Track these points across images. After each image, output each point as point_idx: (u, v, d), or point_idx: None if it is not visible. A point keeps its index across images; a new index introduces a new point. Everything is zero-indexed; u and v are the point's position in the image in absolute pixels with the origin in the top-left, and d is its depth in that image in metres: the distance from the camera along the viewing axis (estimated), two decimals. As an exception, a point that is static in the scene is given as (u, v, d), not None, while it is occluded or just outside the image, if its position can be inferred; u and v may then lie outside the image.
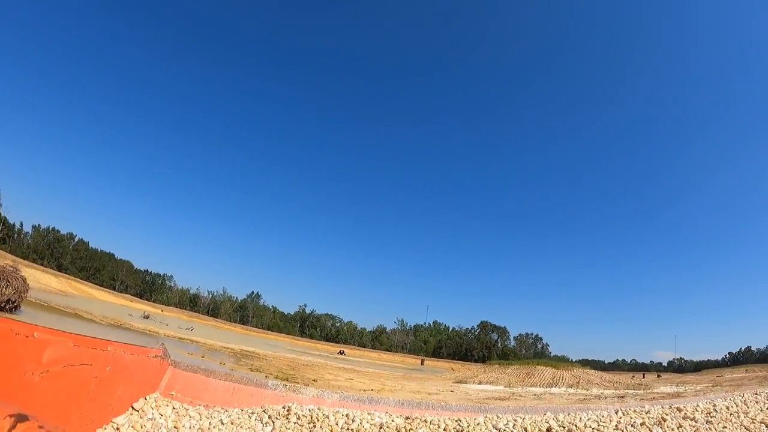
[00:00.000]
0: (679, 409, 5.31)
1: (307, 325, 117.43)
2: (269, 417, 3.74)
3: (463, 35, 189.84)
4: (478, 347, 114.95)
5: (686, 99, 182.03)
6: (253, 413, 3.84)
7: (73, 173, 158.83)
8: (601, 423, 4.66)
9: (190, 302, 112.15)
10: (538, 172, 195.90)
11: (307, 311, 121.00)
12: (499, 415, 4.76)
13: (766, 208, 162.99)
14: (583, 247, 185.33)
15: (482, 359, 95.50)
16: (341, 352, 79.99)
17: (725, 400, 6.25)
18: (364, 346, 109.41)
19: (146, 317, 52.27)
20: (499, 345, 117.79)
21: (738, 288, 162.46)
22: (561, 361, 55.87)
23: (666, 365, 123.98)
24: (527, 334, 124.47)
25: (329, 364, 41.31)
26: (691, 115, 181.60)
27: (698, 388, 37.36)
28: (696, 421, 4.97)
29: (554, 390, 34.44)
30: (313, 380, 20.44)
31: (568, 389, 35.99)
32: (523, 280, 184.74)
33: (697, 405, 5.69)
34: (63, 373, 3.01)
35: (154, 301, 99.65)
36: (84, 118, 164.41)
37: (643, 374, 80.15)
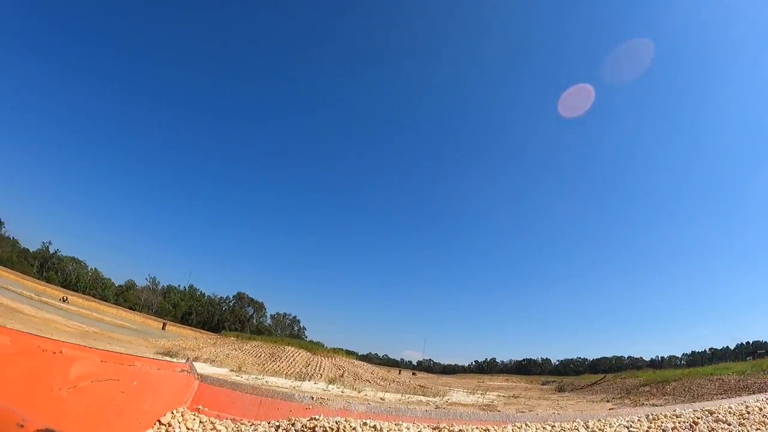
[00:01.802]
0: None
1: (47, 267, 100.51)
2: (296, 430, 3.65)
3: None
4: (232, 320, 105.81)
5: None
6: (279, 426, 3.75)
7: None
8: None
9: None
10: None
11: (51, 250, 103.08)
12: None
13: (504, 233, 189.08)
14: (353, 249, 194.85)
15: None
16: (64, 299, 67.19)
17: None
18: (107, 300, 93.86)
19: None
20: (255, 321, 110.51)
21: (481, 303, 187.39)
22: (317, 347, 43.35)
23: (416, 364, 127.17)
24: (285, 313, 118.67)
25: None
26: (482, 123, 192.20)
27: (492, 396, 33.66)
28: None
29: (307, 386, 23.45)
30: None
31: (329, 385, 25.66)
32: (286, 258, 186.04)
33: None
34: (90, 388, 2.94)
35: None
36: None
37: (399, 371, 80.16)
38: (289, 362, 33.37)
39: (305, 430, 3.66)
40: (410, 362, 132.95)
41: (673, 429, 4.69)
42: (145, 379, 3.19)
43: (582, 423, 4.76)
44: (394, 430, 3.97)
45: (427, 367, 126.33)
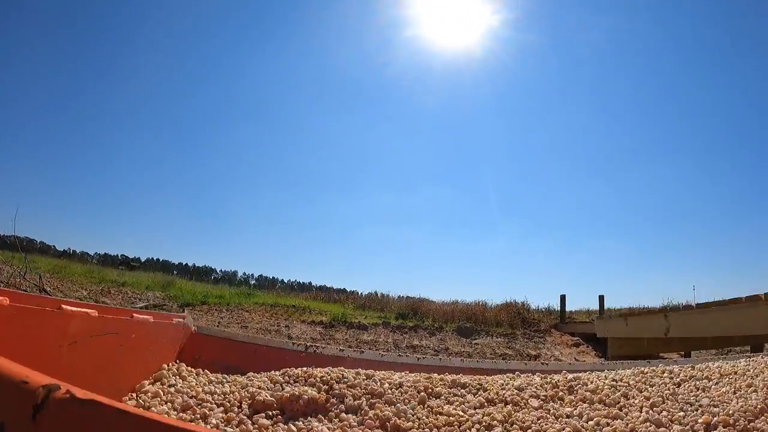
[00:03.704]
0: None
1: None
2: (291, 378, 3.79)
3: None
4: None
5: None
6: (274, 375, 3.87)
7: None
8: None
9: None
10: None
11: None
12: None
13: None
14: None
15: None
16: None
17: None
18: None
19: None
20: None
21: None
22: None
23: None
24: None
25: None
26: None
27: None
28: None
29: None
30: None
31: None
32: None
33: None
34: (90, 343, 2.90)
35: None
36: None
37: None
38: None
39: (298, 379, 3.81)
40: None
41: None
42: (142, 331, 3.16)
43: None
44: (387, 377, 4.17)
45: None
